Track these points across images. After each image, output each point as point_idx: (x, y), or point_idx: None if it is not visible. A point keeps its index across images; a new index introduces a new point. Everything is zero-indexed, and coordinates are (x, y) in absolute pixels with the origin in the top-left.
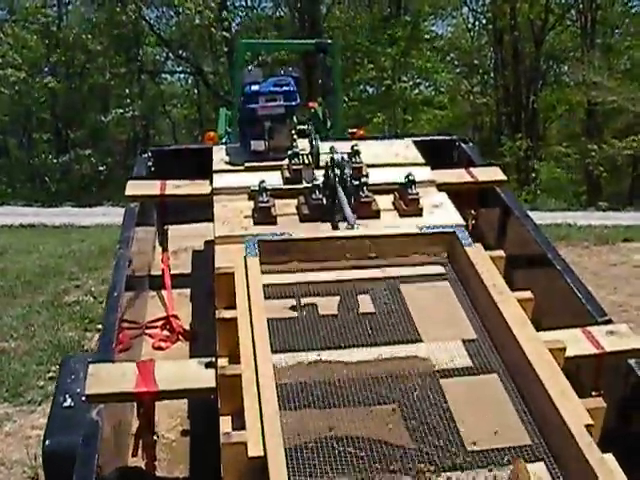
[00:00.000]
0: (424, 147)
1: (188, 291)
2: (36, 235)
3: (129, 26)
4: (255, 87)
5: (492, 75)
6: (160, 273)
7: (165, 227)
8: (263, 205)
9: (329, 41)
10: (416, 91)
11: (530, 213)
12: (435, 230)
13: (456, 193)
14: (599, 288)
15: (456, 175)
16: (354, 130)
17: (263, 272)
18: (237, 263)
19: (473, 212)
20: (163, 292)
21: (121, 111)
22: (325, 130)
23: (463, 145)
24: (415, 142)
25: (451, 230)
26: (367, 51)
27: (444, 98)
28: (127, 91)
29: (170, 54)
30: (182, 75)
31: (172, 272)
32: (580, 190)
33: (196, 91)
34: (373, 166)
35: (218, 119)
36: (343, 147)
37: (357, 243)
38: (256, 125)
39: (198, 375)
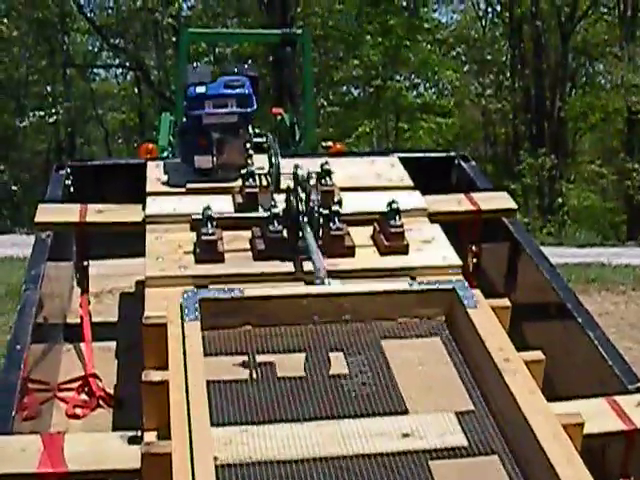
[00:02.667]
0: (414, 166)
1: (113, 344)
2: None
3: (53, 8)
4: (201, 89)
5: (509, 75)
6: (78, 321)
7: (85, 263)
8: (207, 238)
9: (299, 31)
10: (413, 93)
11: (555, 249)
12: (429, 287)
13: (453, 225)
14: (639, 345)
15: (453, 202)
16: (330, 144)
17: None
18: (171, 311)
19: (474, 249)
20: (81, 345)
21: (41, 114)
22: (294, 143)
23: (463, 164)
24: (403, 159)
25: (450, 287)
26: (352, 43)
27: (448, 102)
28: (49, 89)
29: (104, 44)
30: (119, 70)
31: (93, 320)
32: (618, 220)
33: (136, 91)
34: (348, 190)
35: (159, 127)
36: (312, 165)
37: (328, 303)
38: (201, 136)
39: (119, 453)
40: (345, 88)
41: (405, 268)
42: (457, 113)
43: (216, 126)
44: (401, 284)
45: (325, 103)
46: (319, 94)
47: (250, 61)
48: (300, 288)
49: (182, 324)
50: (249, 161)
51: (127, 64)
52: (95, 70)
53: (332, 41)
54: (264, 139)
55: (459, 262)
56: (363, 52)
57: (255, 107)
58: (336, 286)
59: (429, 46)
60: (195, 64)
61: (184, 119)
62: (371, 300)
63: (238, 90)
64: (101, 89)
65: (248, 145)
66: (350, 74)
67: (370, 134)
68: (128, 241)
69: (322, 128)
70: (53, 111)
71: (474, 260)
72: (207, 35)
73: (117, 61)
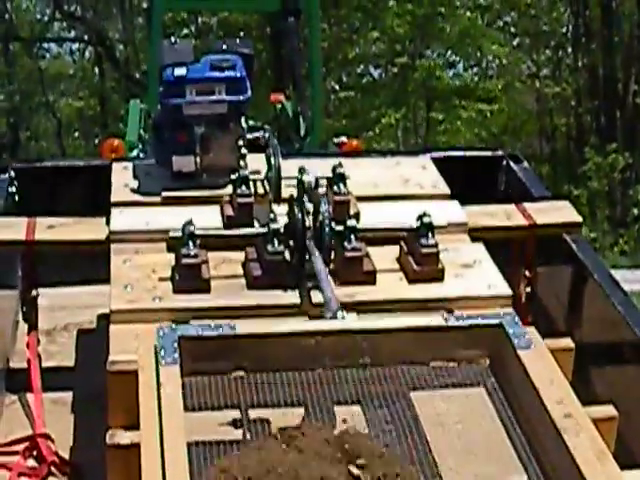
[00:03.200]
0: (451, 168)
1: (69, 396)
2: None
3: None
4: (180, 71)
5: (570, 50)
6: (24, 366)
7: (34, 292)
8: (189, 261)
9: None
10: (449, 74)
11: (630, 273)
12: (470, 322)
13: (501, 244)
14: None
15: (501, 215)
16: (344, 140)
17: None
18: (143, 354)
19: (527, 275)
20: (29, 397)
21: None
22: (298, 139)
23: (513, 165)
24: (436, 160)
25: (496, 322)
26: (371, 11)
27: (494, 86)
28: None
29: (57, 12)
30: (76, 45)
31: (44, 364)
32: None
33: (97, 71)
34: (368, 199)
35: (127, 118)
36: (321, 168)
37: (342, 342)
38: (181, 131)
39: None
40: (363, 68)
41: (440, 299)
42: (505, 99)
43: (200, 118)
44: (434, 318)
45: (337, 87)
46: (329, 76)
47: (242, 35)
48: (306, 324)
49: (157, 370)
50: (242, 163)
51: (85, 37)
52: (45, 45)
53: (346, 8)
54: (260, 134)
55: (509, 292)
56: (386, 22)
57: (249, 94)
58: (352, 321)
59: (469, 14)
60: (173, 39)
61: (159, 109)
62: (396, 339)
63: (228, 72)
64: (53, 69)
65: (240, 142)
66: (369, 50)
67: (395, 126)
68: (88, 264)
69: (334, 119)
70: None
71: (528, 289)
72: (187, 1)
73: (73, 33)
